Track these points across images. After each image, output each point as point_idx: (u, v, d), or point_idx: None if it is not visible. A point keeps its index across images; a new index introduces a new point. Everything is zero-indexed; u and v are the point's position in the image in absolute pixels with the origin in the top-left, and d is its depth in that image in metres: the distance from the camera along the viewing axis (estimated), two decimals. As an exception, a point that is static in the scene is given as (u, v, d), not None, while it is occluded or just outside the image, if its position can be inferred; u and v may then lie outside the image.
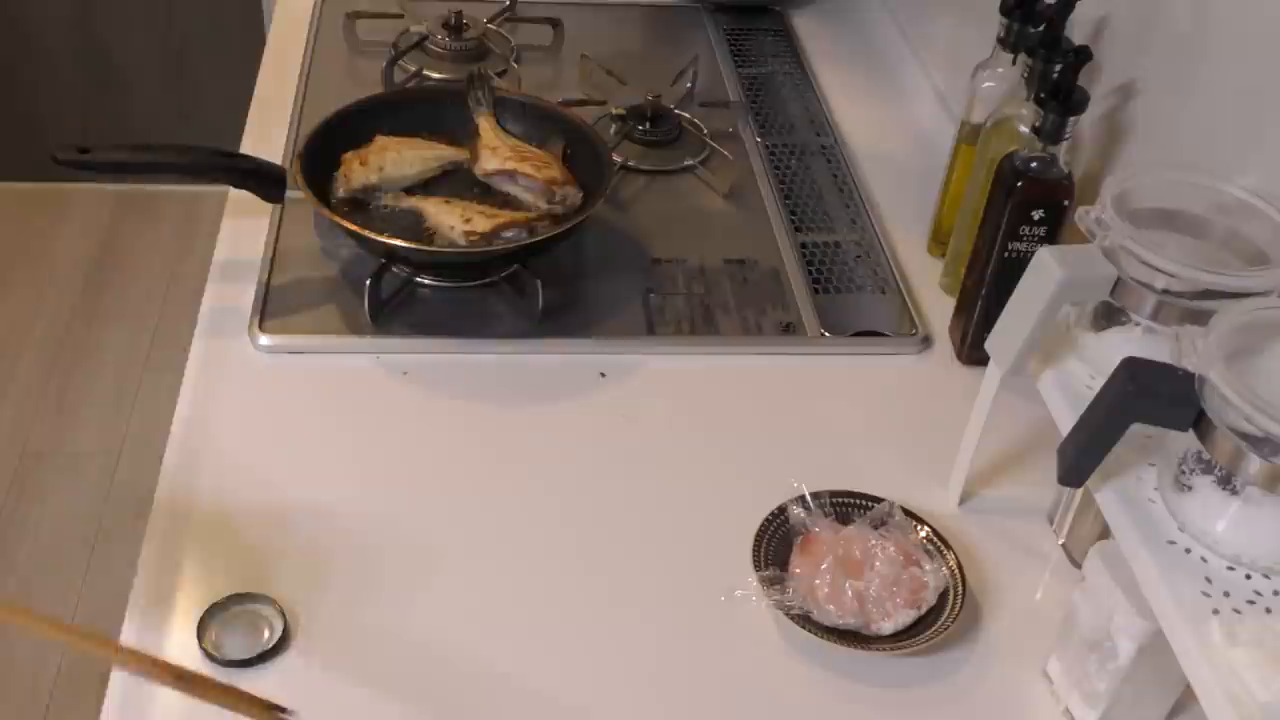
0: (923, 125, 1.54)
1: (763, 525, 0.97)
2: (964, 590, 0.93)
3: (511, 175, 1.24)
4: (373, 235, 1.13)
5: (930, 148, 1.47)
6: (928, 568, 0.94)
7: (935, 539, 0.97)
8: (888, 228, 1.35)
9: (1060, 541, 1.01)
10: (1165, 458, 0.79)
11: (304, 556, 0.94)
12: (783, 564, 0.95)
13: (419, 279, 1.20)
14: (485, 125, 1.30)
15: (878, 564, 0.93)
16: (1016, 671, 0.92)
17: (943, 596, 0.93)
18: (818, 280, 1.26)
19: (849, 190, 1.41)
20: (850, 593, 0.91)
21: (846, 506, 0.99)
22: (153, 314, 2.66)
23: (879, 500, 0.99)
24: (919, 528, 0.97)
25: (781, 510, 0.98)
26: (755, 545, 0.95)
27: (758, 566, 0.94)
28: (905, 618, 0.91)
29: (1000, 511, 1.04)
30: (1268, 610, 0.72)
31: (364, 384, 1.07)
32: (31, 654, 1.99)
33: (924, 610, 0.92)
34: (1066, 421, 0.84)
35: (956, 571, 0.95)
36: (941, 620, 0.91)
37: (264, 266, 1.20)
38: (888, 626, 0.91)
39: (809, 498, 0.98)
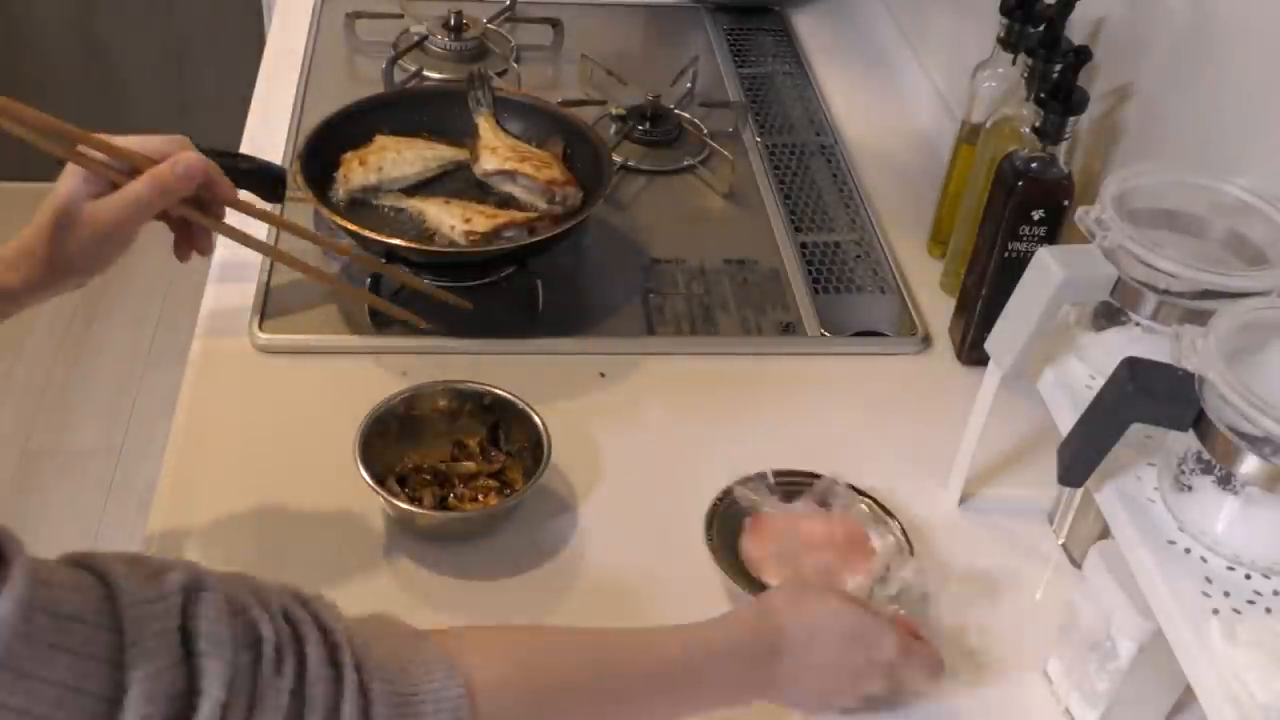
0: (923, 125, 1.54)
1: (711, 509, 0.98)
2: (911, 554, 0.95)
3: (511, 175, 1.24)
4: (373, 235, 1.13)
5: (930, 148, 1.47)
6: (874, 535, 0.95)
7: (877, 508, 0.98)
8: (888, 228, 1.35)
9: (1060, 541, 1.01)
10: (1165, 458, 0.79)
11: (304, 556, 0.94)
12: (732, 547, 0.95)
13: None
14: (485, 125, 1.30)
15: (825, 537, 0.94)
16: (1016, 671, 0.92)
17: (892, 561, 0.94)
18: (818, 280, 1.26)
19: (849, 190, 1.41)
20: (806, 568, 0.92)
21: (790, 485, 1.00)
22: (153, 313, 2.66)
23: (818, 476, 1.00)
24: (861, 499, 0.99)
25: (728, 493, 0.99)
26: (707, 529, 0.96)
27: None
28: (858, 586, 0.92)
29: (1000, 511, 1.04)
30: (1268, 610, 0.72)
31: (364, 384, 1.07)
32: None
33: (877, 578, 0.93)
34: (1066, 421, 0.84)
35: (901, 538, 0.96)
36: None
37: (264, 266, 1.20)
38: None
39: (755, 478, 0.99)
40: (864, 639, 0.81)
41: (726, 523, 0.97)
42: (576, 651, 0.73)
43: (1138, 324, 0.86)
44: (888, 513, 0.98)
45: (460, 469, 0.99)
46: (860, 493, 0.99)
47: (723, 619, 0.79)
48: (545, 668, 0.70)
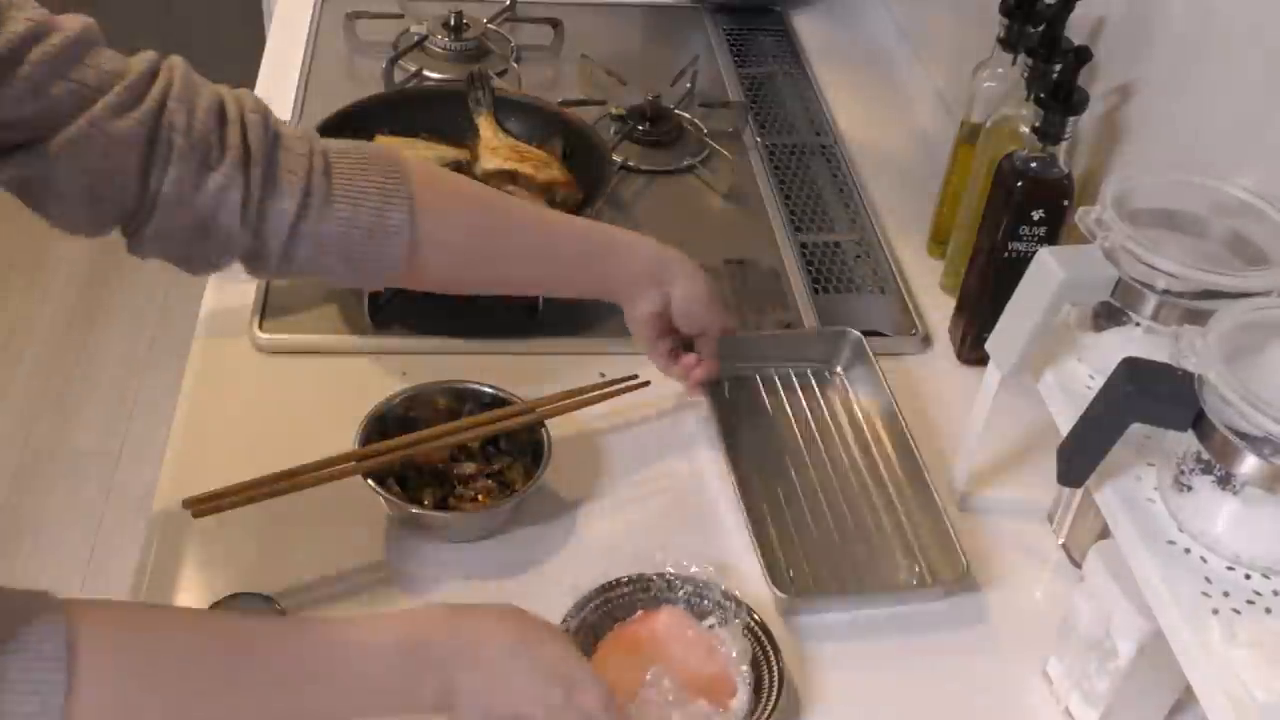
0: (923, 125, 1.54)
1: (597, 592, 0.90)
2: (780, 689, 0.84)
3: (511, 175, 1.24)
4: (373, 235, 1.12)
5: (930, 148, 1.47)
6: (740, 692, 0.85)
7: (765, 641, 0.88)
8: (888, 228, 1.35)
9: (1060, 541, 1.01)
10: (1165, 458, 0.79)
11: (304, 556, 0.94)
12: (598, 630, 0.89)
13: (419, 279, 1.20)
14: (485, 125, 1.30)
15: (689, 669, 0.85)
16: (1016, 671, 0.92)
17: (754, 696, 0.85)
18: (818, 280, 1.26)
19: (849, 190, 1.41)
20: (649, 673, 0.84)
21: (691, 590, 0.90)
22: (153, 314, 2.66)
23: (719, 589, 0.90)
24: (750, 628, 0.88)
25: (619, 584, 0.91)
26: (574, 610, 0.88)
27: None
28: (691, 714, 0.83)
29: (1000, 511, 1.04)
30: (1267, 610, 0.72)
31: (364, 384, 1.07)
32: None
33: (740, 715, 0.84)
34: (1066, 421, 0.84)
35: (777, 675, 0.85)
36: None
37: (264, 266, 1.20)
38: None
39: (656, 578, 0.91)
40: (567, 680, 0.75)
41: (615, 609, 0.90)
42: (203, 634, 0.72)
43: (1138, 324, 0.86)
44: (774, 646, 0.87)
45: (460, 469, 0.99)
46: (745, 606, 0.89)
47: (375, 617, 0.76)
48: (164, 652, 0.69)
